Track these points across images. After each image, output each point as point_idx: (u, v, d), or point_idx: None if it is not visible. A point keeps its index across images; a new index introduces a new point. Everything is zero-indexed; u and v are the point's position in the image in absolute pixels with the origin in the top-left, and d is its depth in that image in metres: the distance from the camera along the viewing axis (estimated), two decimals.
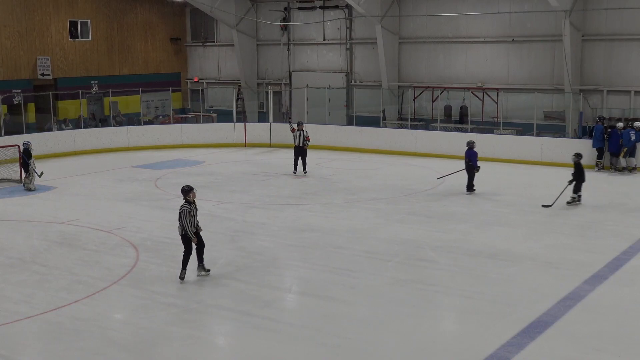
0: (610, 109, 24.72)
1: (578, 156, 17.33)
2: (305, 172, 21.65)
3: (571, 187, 17.19)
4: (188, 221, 11.83)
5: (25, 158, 19.46)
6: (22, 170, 19.64)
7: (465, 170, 19.02)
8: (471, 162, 18.80)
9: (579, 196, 17.34)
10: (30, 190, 19.44)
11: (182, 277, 11.99)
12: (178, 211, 11.98)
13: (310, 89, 28.85)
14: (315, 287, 11.74)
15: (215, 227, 15.45)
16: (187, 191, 12.03)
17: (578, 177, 17.18)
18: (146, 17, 33.47)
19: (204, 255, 12.28)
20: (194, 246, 12.07)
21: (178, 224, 11.99)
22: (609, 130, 21.67)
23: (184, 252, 12.10)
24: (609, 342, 9.45)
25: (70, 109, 29.27)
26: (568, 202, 17.20)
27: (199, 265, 12.23)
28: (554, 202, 16.87)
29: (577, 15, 24.33)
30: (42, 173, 19.82)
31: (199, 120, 30.78)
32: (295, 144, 21.80)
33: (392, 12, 28.51)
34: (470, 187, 18.91)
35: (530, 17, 26.15)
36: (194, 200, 12.08)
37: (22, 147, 19.71)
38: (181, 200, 12.25)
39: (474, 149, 18.93)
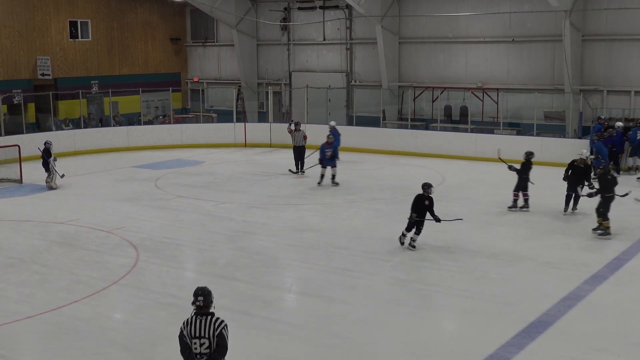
0: (610, 109, 24.70)
1: None
2: (303, 172, 21.65)
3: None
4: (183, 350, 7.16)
5: (46, 157, 19.55)
6: (43, 169, 19.75)
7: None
8: (615, 148, 20.59)
9: None
10: (52, 188, 19.60)
11: None
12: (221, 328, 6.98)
13: (310, 89, 28.81)
14: (315, 287, 11.73)
15: (215, 227, 15.45)
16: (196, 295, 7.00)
17: None
18: (146, 17, 33.45)
19: None
20: None
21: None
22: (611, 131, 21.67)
23: None
24: (609, 342, 9.45)
25: (70, 109, 29.25)
26: None
27: None
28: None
29: (577, 15, 24.31)
30: (63, 175, 19.98)
31: (199, 120, 30.74)
32: (294, 144, 21.86)
33: (392, 12, 28.49)
34: (617, 171, 20.37)
35: (530, 17, 26.13)
36: (200, 311, 6.98)
37: (42, 146, 19.84)
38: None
39: (613, 136, 20.87)
